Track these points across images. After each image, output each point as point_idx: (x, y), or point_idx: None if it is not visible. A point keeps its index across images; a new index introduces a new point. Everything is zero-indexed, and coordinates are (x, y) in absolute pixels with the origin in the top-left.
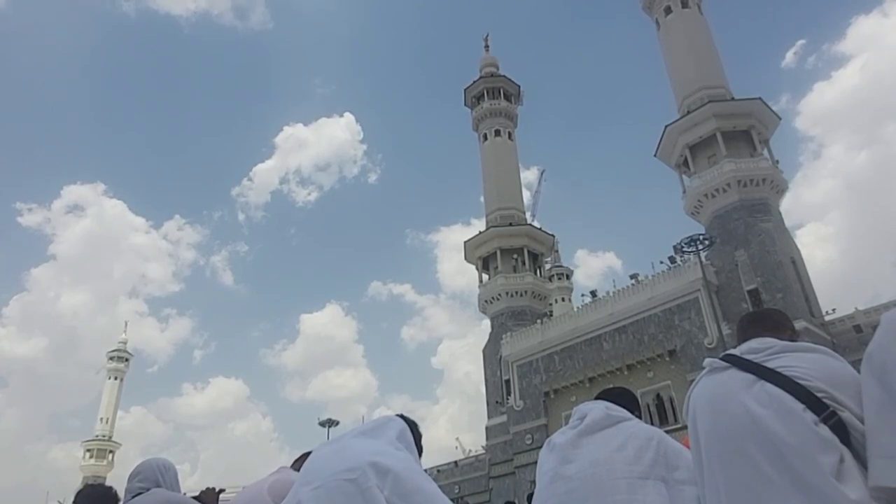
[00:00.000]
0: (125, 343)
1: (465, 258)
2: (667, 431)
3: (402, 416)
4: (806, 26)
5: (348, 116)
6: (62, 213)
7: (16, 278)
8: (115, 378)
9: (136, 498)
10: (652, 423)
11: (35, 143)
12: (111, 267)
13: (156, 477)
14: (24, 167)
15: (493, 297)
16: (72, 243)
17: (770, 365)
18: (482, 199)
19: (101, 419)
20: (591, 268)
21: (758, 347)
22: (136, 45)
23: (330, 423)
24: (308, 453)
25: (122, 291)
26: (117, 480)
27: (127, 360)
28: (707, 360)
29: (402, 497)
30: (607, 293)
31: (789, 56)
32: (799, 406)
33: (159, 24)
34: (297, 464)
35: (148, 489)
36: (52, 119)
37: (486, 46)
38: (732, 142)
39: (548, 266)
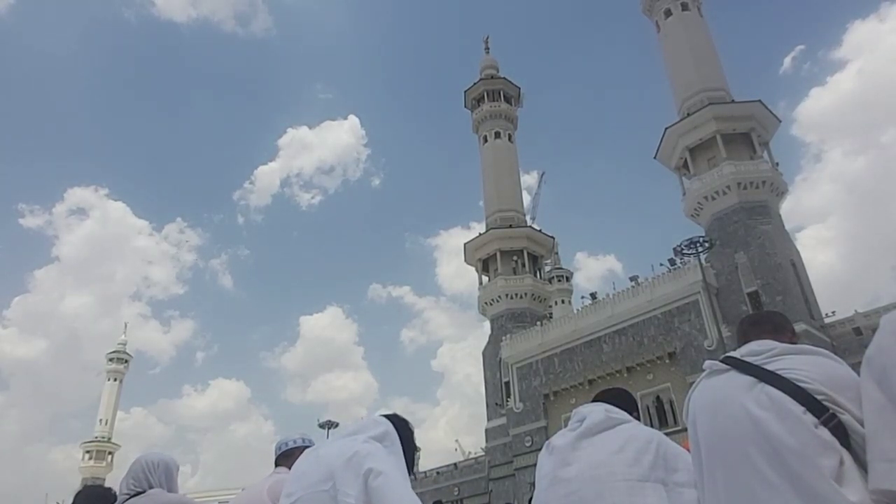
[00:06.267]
0: (125, 344)
1: (465, 260)
2: (667, 434)
3: (392, 416)
4: (804, 32)
5: (353, 119)
6: (65, 215)
7: (19, 280)
8: (115, 379)
9: (131, 499)
10: (652, 426)
11: (39, 146)
12: (114, 269)
13: (146, 475)
14: (28, 169)
15: (492, 299)
16: (75, 245)
17: (770, 367)
18: (482, 202)
19: (101, 420)
20: (592, 270)
21: (758, 350)
22: (138, 51)
23: (329, 425)
24: (292, 450)
25: (125, 294)
26: (116, 482)
27: (126, 361)
28: (707, 363)
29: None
30: (607, 295)
31: (787, 62)
32: (799, 408)
33: (160, 30)
34: (286, 461)
35: (142, 490)
36: (55, 123)
37: (487, 48)
38: (732, 144)
39: (548, 268)
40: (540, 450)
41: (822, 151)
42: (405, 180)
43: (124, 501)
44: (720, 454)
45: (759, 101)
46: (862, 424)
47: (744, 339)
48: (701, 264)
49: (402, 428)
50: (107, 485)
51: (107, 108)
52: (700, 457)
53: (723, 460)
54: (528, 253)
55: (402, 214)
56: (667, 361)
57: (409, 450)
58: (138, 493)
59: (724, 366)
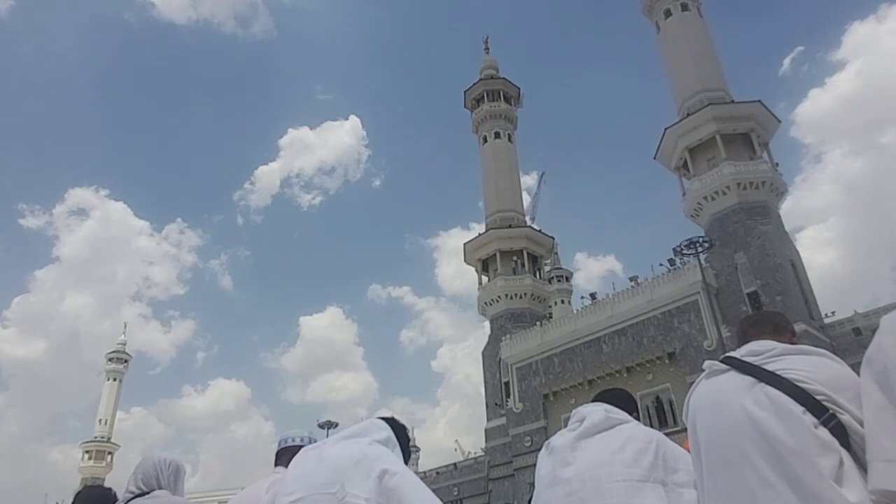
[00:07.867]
0: (124, 344)
1: (465, 260)
2: (666, 434)
3: (391, 420)
4: (803, 33)
5: (353, 120)
6: (66, 215)
7: (19, 280)
8: (114, 379)
9: (136, 499)
10: (651, 426)
11: (39, 146)
12: (115, 269)
13: (156, 475)
14: (29, 169)
15: (492, 300)
16: (75, 246)
17: (770, 367)
18: (482, 203)
19: (100, 420)
20: (591, 271)
21: (758, 350)
22: (139, 52)
23: (329, 426)
24: (289, 448)
25: (126, 294)
26: (116, 482)
27: (126, 361)
28: (707, 363)
29: (386, 493)
30: (607, 295)
31: (786, 63)
32: (798, 409)
33: (161, 32)
34: (287, 457)
35: (148, 491)
36: (55, 124)
37: (486, 49)
38: (732, 144)
39: (547, 268)
40: (539, 450)
41: (822, 152)
42: (405, 181)
43: (128, 501)
44: (720, 454)
45: (759, 101)
46: (862, 425)
47: (744, 340)
48: (700, 264)
49: (400, 433)
50: (107, 485)
51: (107, 109)
52: (700, 457)
53: (722, 460)
54: (528, 253)
55: (402, 215)
56: (666, 361)
57: (405, 455)
58: (143, 494)
59: (723, 366)
